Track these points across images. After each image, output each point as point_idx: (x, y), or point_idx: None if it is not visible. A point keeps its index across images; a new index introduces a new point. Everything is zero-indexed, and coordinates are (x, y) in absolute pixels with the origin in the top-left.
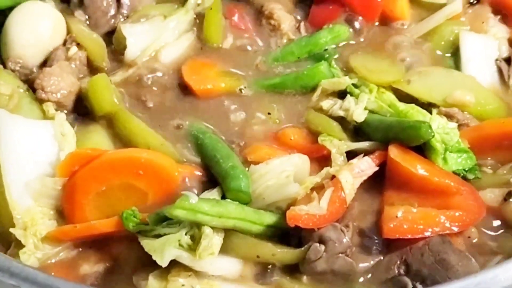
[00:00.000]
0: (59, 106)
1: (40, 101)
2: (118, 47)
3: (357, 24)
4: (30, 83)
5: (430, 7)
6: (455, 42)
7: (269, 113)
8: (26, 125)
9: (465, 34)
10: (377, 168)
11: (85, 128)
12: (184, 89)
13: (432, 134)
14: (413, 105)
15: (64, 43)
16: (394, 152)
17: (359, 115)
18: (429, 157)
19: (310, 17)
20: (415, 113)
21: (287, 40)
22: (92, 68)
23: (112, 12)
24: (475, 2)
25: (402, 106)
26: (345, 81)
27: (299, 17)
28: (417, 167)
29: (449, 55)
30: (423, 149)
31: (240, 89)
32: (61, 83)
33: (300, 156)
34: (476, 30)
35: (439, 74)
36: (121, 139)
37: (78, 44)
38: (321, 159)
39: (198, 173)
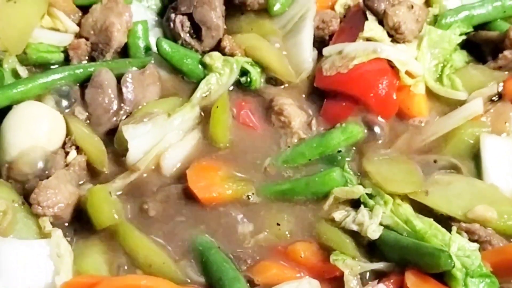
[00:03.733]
0: (56, 219)
1: (37, 216)
2: (120, 148)
3: (372, 123)
4: (26, 193)
5: (449, 102)
6: (476, 145)
7: (278, 224)
8: (20, 248)
9: (486, 137)
10: None
11: (84, 242)
12: (189, 196)
13: (453, 264)
14: (431, 221)
15: (63, 146)
16: (411, 280)
17: (373, 231)
18: (449, 284)
19: (323, 112)
20: (434, 232)
21: (297, 139)
22: (92, 172)
23: (115, 108)
24: (496, 99)
25: (419, 224)
26: (358, 191)
27: (310, 111)
28: None
29: (470, 158)
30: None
31: (248, 196)
32: (58, 195)
33: (310, 281)
34: (498, 131)
35: (459, 184)
36: (122, 254)
37: (77, 148)
38: (333, 280)
39: None
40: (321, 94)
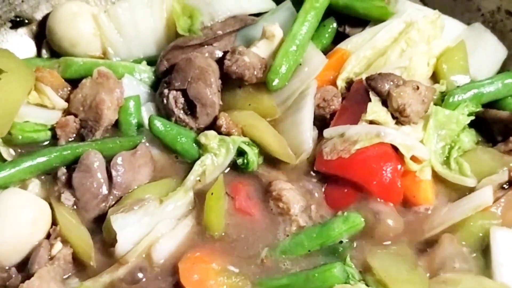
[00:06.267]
0: None
1: None
2: (108, 238)
3: (375, 211)
4: None
5: (457, 187)
6: (486, 239)
7: None
8: None
9: (496, 231)
10: None
11: None
12: None
13: None
14: None
15: (48, 236)
16: None
17: None
18: None
19: (323, 198)
20: None
21: (296, 227)
22: (79, 264)
23: (104, 193)
24: (507, 186)
25: None
26: None
27: (310, 197)
28: None
29: (479, 252)
30: None
31: None
32: None
33: None
34: (510, 223)
35: (467, 285)
36: None
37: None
38: None
39: None
40: (322, 175)
